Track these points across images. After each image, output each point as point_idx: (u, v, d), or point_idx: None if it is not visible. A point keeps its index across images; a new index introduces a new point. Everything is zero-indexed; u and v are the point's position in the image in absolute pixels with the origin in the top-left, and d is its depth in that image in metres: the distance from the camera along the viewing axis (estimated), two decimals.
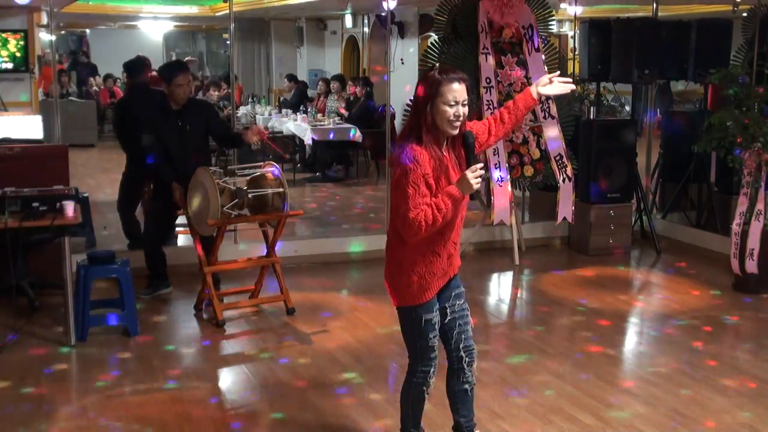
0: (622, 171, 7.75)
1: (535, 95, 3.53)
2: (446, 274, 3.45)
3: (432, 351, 3.50)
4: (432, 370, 3.56)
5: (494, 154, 7.08)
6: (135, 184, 7.09)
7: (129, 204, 7.22)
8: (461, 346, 3.56)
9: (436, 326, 3.48)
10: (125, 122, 6.97)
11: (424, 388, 3.62)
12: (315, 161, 11.81)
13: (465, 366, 3.60)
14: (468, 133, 3.30)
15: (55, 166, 5.90)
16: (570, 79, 3.59)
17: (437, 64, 3.41)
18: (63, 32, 18.07)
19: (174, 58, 19.06)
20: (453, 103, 3.22)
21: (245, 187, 5.66)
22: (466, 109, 3.27)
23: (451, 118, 3.22)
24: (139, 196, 7.21)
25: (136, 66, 7.46)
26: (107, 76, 16.97)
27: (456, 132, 3.28)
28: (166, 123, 5.92)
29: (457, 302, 3.54)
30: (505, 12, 7.19)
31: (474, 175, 3.15)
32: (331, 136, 11.25)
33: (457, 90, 3.23)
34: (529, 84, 7.23)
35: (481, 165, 3.20)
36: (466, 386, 3.66)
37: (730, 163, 6.65)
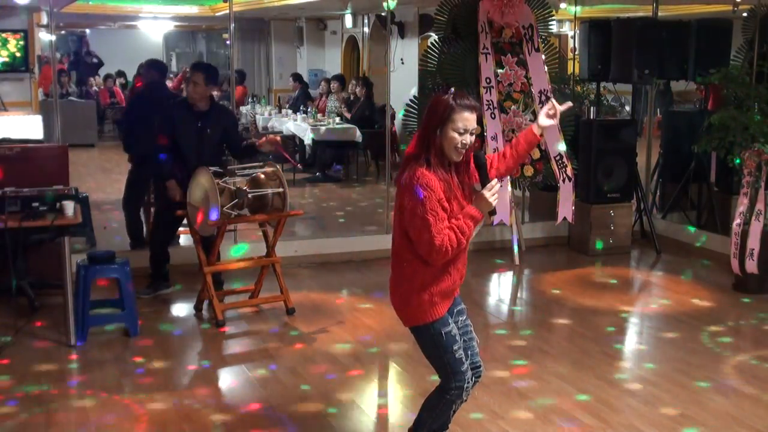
0: (622, 171, 7.75)
1: (536, 131, 3.51)
2: (454, 293, 3.45)
3: (461, 364, 3.41)
4: (465, 384, 3.43)
5: None
6: (141, 182, 7.08)
7: (134, 201, 7.22)
8: (473, 359, 3.52)
9: (457, 337, 3.41)
10: (137, 116, 6.94)
11: (455, 406, 3.53)
12: (315, 161, 11.81)
13: (470, 384, 3.49)
14: (479, 153, 3.33)
15: (55, 166, 5.90)
16: (569, 103, 3.58)
17: (452, 89, 3.37)
18: (63, 32, 18.05)
19: (174, 58, 19.07)
20: (462, 131, 3.23)
21: (245, 187, 5.66)
22: (473, 138, 3.28)
23: (458, 146, 3.23)
24: (144, 193, 7.21)
25: (162, 67, 7.57)
26: (107, 76, 16.96)
27: (460, 158, 3.29)
28: (186, 123, 5.92)
29: (460, 318, 3.51)
30: (505, 12, 7.19)
31: (491, 193, 3.19)
32: (331, 136, 11.27)
33: (468, 118, 3.23)
34: (530, 84, 7.27)
35: (495, 182, 3.23)
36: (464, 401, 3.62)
37: (730, 163, 6.65)
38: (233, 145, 6.14)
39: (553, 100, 3.51)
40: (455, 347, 3.39)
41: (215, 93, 12.08)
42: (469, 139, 3.25)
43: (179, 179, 5.87)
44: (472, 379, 3.48)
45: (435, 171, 3.23)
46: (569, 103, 3.58)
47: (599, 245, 7.63)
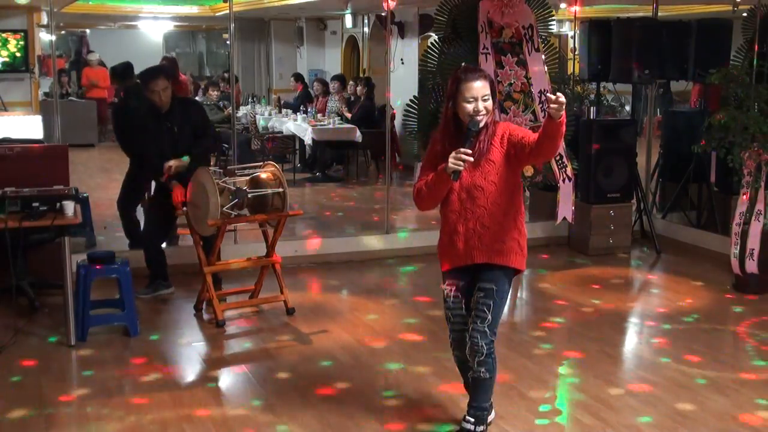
0: (622, 171, 7.75)
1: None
2: (462, 259, 3.73)
3: (447, 321, 3.89)
4: (451, 336, 3.89)
5: None
6: (137, 183, 7.08)
7: (130, 202, 7.21)
8: (469, 332, 3.75)
9: (449, 301, 3.83)
10: (123, 125, 7.01)
11: (454, 356, 3.98)
12: (315, 161, 11.81)
13: (468, 353, 3.76)
14: (473, 122, 3.56)
15: (55, 166, 5.90)
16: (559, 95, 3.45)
17: (463, 63, 3.69)
18: (63, 32, 18.05)
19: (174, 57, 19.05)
20: (471, 100, 3.56)
21: (245, 187, 5.66)
22: (488, 103, 3.59)
23: (471, 113, 3.57)
24: (141, 195, 7.22)
25: (126, 71, 7.51)
26: None
27: (482, 123, 3.60)
28: (157, 125, 5.99)
29: (478, 294, 3.75)
30: (505, 12, 7.18)
31: (453, 156, 3.48)
32: (332, 137, 11.27)
33: (477, 87, 3.56)
34: (530, 84, 7.26)
35: (466, 151, 3.48)
36: (472, 374, 3.81)
37: (730, 163, 6.65)
38: (198, 137, 6.08)
39: (550, 95, 3.45)
40: (444, 305, 3.87)
41: (214, 93, 12.12)
42: (481, 105, 3.56)
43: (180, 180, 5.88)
44: (461, 343, 3.80)
45: (443, 137, 3.68)
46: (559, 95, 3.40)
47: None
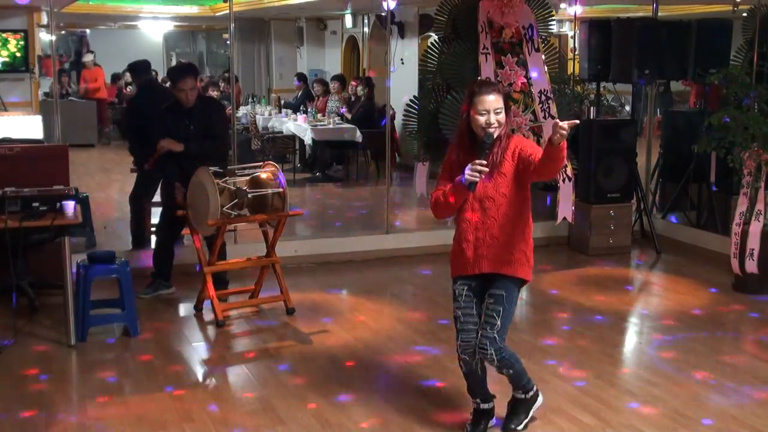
0: (622, 171, 7.75)
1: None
2: (471, 267, 3.82)
3: (456, 322, 3.89)
4: (459, 339, 3.86)
5: None
6: (150, 180, 7.03)
7: (141, 195, 7.19)
8: (478, 340, 3.81)
9: (460, 300, 3.86)
10: (137, 120, 6.98)
11: (462, 365, 3.92)
12: (315, 161, 11.81)
13: (466, 348, 3.85)
14: (488, 135, 3.65)
15: (55, 166, 5.90)
16: (576, 121, 3.62)
17: (478, 78, 3.76)
18: (63, 32, 18.03)
19: (174, 58, 19.04)
20: (484, 112, 3.67)
21: (245, 187, 5.66)
22: (500, 117, 3.69)
23: (483, 125, 3.67)
24: (151, 189, 7.19)
25: (142, 66, 7.54)
26: (115, 76, 16.93)
27: (495, 135, 3.69)
28: (175, 122, 5.98)
29: (488, 300, 3.83)
30: (505, 12, 7.19)
31: (470, 167, 3.58)
32: (332, 137, 11.26)
33: (489, 101, 3.67)
34: (530, 84, 7.26)
35: (482, 162, 3.58)
36: (497, 372, 3.92)
37: (730, 163, 6.65)
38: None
39: (558, 122, 3.49)
40: (455, 305, 3.90)
41: (214, 93, 12.12)
42: (493, 118, 3.67)
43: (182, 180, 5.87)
44: (470, 346, 3.82)
45: (458, 148, 3.79)
46: (576, 121, 3.61)
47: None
